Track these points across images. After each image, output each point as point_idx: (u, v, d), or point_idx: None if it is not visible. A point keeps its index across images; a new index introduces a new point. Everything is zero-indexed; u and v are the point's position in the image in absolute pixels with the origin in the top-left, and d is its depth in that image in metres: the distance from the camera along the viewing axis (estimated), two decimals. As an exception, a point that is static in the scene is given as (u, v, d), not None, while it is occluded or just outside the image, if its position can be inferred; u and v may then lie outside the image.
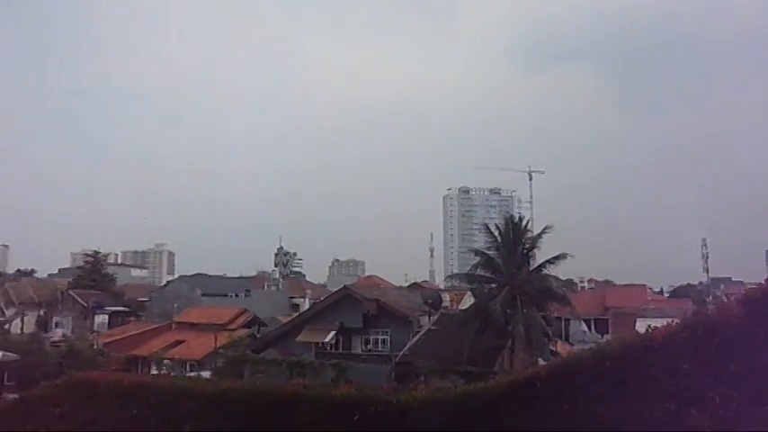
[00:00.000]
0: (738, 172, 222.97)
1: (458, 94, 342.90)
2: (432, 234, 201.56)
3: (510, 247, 32.59)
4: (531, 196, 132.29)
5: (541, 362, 25.94)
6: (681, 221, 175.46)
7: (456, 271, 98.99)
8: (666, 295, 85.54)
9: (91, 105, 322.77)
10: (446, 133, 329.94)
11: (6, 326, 60.94)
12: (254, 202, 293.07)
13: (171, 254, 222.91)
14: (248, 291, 72.86)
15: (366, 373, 30.20)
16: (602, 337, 42.14)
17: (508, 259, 32.54)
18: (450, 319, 36.22)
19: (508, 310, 30.86)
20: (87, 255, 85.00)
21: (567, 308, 36.60)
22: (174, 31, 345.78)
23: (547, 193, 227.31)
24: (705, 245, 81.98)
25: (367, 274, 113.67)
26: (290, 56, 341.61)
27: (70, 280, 78.44)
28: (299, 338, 39.02)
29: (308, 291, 76.27)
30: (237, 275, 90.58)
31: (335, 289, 52.94)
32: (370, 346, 39.03)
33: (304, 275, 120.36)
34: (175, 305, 60.10)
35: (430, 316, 39.60)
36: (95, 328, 58.87)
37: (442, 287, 70.13)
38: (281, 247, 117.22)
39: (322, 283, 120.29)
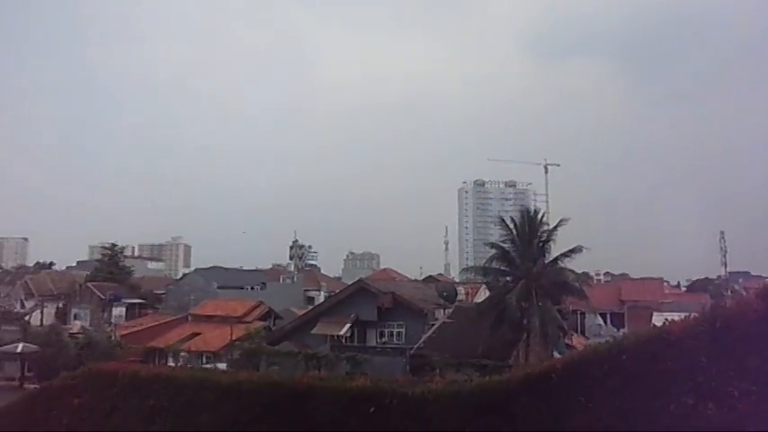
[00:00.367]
0: (757, 164, 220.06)
1: (472, 86, 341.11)
2: (447, 227, 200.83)
3: (525, 239, 32.48)
4: (547, 189, 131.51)
5: (557, 355, 25.86)
6: (698, 215, 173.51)
7: (471, 264, 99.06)
8: (683, 289, 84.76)
9: (106, 98, 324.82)
10: (461, 125, 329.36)
11: (26, 318, 61.80)
12: (268, 195, 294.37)
13: (187, 247, 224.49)
14: (264, 284, 73.17)
15: (381, 365, 30.27)
16: (618, 330, 41.87)
17: (524, 252, 32.44)
18: (465, 313, 36.21)
19: (523, 304, 30.80)
20: (105, 248, 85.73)
21: (583, 301, 36.48)
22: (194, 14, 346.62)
23: (563, 185, 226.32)
24: (723, 238, 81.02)
25: (382, 267, 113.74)
26: (306, 45, 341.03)
27: (88, 272, 79.18)
28: (314, 331, 39.20)
29: (323, 284, 76.46)
30: (253, 268, 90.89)
31: (350, 282, 53.07)
32: (384, 339, 39.09)
33: (319, 268, 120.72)
34: (192, 298, 60.47)
35: (445, 309, 39.62)
36: (113, 320, 59.49)
37: (456, 280, 70.02)
38: (296, 240, 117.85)
39: (337, 276, 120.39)
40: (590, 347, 11.29)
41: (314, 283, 78.49)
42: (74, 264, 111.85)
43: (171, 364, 41.01)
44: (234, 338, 42.92)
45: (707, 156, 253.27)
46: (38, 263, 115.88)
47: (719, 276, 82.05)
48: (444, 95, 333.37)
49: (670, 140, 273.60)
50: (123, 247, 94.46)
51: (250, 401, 13.20)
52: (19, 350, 42.45)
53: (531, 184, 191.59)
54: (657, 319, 29.78)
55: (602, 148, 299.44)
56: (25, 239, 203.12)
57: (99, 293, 65.17)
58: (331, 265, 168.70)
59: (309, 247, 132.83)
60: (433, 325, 37.07)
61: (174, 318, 55.14)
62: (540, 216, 34.49)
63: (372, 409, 11.28)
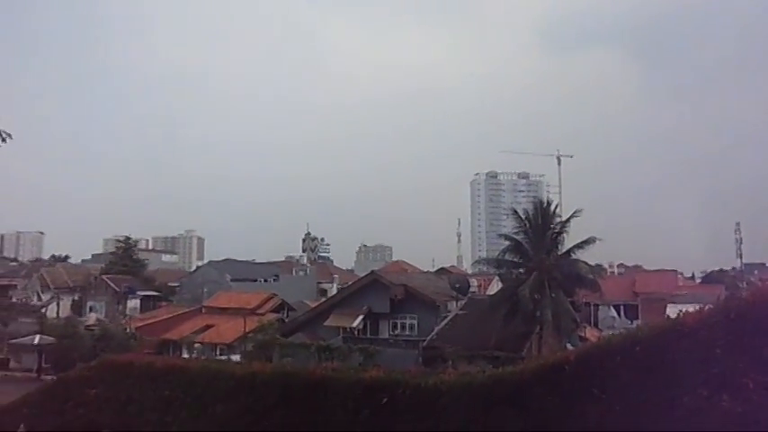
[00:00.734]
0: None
1: (484, 78, 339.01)
2: (459, 219, 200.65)
3: (538, 231, 32.34)
4: (560, 180, 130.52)
5: (570, 348, 25.78)
6: (712, 205, 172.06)
7: (484, 256, 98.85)
8: (698, 281, 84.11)
9: (120, 94, 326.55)
10: (474, 117, 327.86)
11: (43, 310, 62.50)
12: (282, 188, 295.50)
13: (200, 239, 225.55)
14: (276, 276, 73.41)
15: (393, 357, 30.31)
16: (632, 322, 41.73)
17: (537, 244, 32.30)
18: (478, 305, 36.16)
19: (536, 296, 30.69)
20: (119, 241, 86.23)
21: (597, 293, 36.32)
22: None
23: (575, 176, 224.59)
24: (738, 229, 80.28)
25: (394, 259, 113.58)
26: (316, 38, 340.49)
27: (103, 265, 79.72)
28: (326, 323, 39.31)
29: (336, 276, 76.54)
30: (266, 261, 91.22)
31: (363, 274, 53.07)
32: (397, 331, 39.12)
33: (331, 261, 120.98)
34: (205, 290, 60.81)
35: (457, 301, 39.58)
36: (127, 312, 59.97)
37: (469, 272, 70.04)
38: (309, 233, 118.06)
39: (349, 268, 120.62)
40: (604, 338, 11.26)
41: (326, 275, 78.66)
42: (89, 257, 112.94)
43: (185, 355, 41.35)
44: (247, 330, 43.11)
45: (722, 146, 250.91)
46: (53, 256, 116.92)
47: (735, 268, 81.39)
48: (456, 87, 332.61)
49: (684, 130, 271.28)
50: (137, 240, 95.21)
51: (264, 392, 13.31)
52: (36, 342, 43.04)
53: (543, 175, 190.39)
54: (672, 311, 29.58)
55: (616, 139, 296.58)
56: (41, 233, 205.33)
57: (114, 286, 65.69)
58: (343, 257, 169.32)
59: (322, 239, 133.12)
60: (445, 317, 37.04)
61: (187, 310, 55.42)
62: (553, 207, 34.27)
63: (385, 400, 11.33)
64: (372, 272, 46.33)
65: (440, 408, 10.68)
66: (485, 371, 11.60)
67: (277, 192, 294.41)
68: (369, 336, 38.47)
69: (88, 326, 51.64)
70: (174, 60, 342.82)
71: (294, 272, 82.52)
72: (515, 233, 33.78)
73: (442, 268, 76.63)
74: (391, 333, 39.02)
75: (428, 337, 34.47)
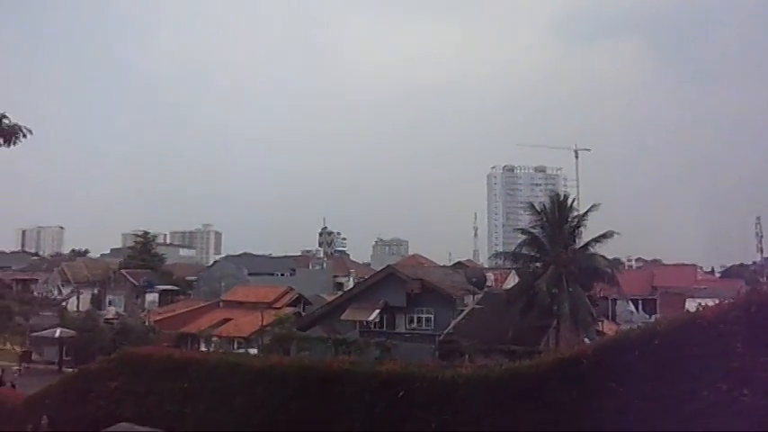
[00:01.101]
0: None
1: (501, 71, 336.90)
2: (476, 213, 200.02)
3: (555, 225, 32.19)
4: (578, 174, 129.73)
5: (587, 342, 25.67)
6: (733, 199, 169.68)
7: (500, 250, 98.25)
8: (718, 275, 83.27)
9: (138, 89, 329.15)
10: (490, 111, 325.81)
11: (63, 304, 63.42)
12: (298, 183, 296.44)
13: (218, 234, 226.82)
14: (293, 270, 73.81)
15: (410, 351, 30.34)
16: (650, 317, 41.36)
17: (554, 238, 32.16)
18: (495, 299, 36.10)
19: (554, 290, 30.55)
20: (137, 235, 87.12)
21: (614, 287, 36.08)
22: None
23: (593, 170, 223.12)
24: (759, 223, 79.34)
25: (410, 253, 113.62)
26: (339, 31, 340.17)
27: (122, 260, 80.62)
28: (343, 317, 39.41)
29: (352, 270, 76.77)
30: (283, 255, 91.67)
31: (379, 268, 53.16)
32: (414, 325, 39.11)
33: (348, 255, 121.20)
34: (222, 284, 61.29)
35: (474, 295, 39.49)
36: (146, 305, 60.65)
37: (486, 266, 69.75)
38: (326, 227, 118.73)
39: (366, 262, 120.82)
40: (622, 332, 11.19)
41: (343, 269, 78.95)
42: (108, 251, 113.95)
43: (203, 349, 41.76)
44: (264, 324, 43.39)
45: (741, 138, 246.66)
46: (73, 250, 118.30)
47: (755, 262, 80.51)
48: (474, 80, 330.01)
49: (702, 122, 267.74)
50: (155, 235, 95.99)
51: (281, 385, 13.41)
52: (57, 335, 43.70)
53: (561, 168, 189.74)
54: (691, 306, 29.36)
55: (634, 131, 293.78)
56: (61, 228, 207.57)
57: (132, 280, 66.47)
58: (360, 251, 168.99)
59: (338, 233, 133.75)
60: (462, 311, 36.99)
61: (205, 304, 55.93)
62: (570, 201, 34.11)
63: (402, 393, 11.37)
64: (389, 266, 46.39)
65: (456, 401, 10.69)
66: (501, 364, 11.58)
67: (294, 186, 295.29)
68: (385, 330, 38.50)
69: (108, 319, 52.32)
70: (190, 57, 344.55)
71: (311, 266, 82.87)
72: (532, 227, 33.67)
73: (459, 262, 76.52)
74: (408, 327, 39.04)
75: (445, 331, 34.48)
